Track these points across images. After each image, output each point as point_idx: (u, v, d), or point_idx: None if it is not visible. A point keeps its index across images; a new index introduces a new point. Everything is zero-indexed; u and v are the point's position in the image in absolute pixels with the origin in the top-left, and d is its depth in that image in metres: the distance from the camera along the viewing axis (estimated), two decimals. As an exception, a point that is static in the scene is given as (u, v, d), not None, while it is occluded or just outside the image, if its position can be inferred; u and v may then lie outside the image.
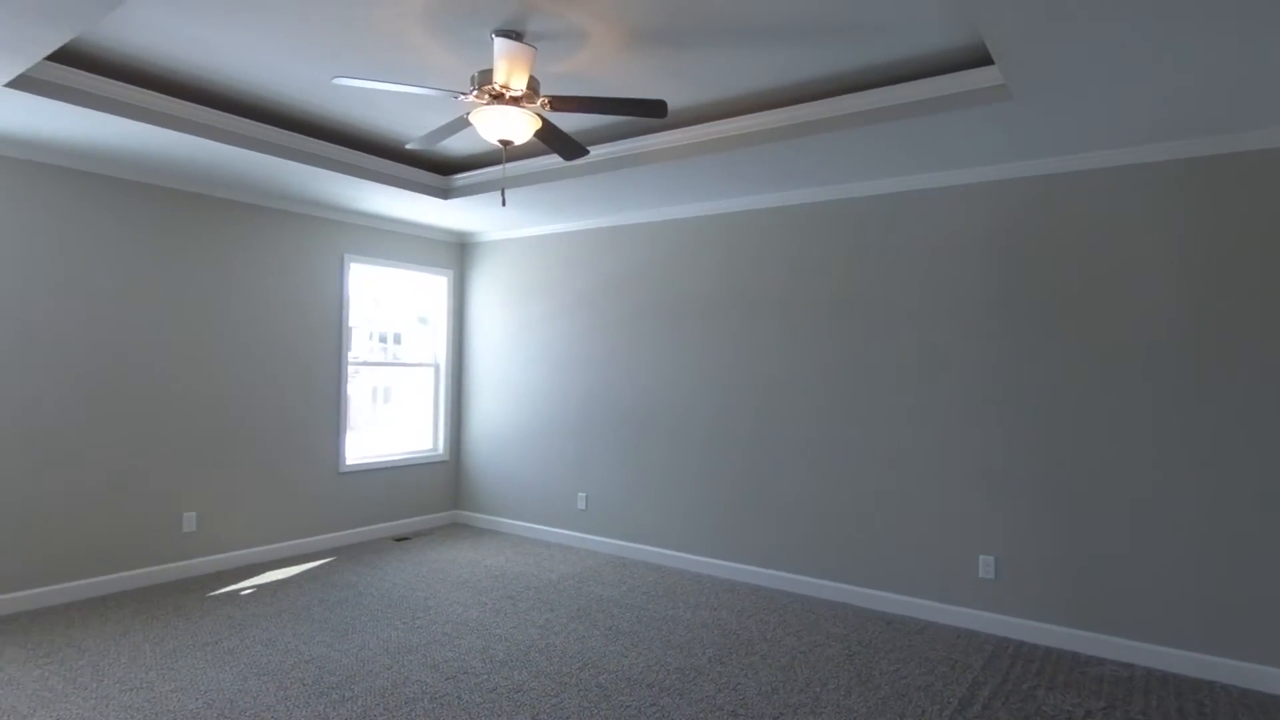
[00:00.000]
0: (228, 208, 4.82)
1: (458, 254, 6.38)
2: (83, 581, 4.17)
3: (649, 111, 3.03)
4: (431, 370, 6.32)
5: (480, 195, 4.87)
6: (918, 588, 4.15)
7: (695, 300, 5.05)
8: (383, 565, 4.97)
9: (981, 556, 3.96)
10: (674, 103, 3.67)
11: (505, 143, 3.10)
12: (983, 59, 3.04)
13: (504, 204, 3.19)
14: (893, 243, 4.29)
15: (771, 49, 3.04)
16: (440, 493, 6.25)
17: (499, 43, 2.49)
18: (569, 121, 3.98)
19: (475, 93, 2.98)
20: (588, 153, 3.57)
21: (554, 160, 4.42)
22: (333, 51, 3.13)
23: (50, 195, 4.05)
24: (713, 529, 4.93)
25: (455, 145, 4.47)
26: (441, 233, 6.17)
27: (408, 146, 3.43)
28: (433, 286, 6.36)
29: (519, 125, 3.02)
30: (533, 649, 3.57)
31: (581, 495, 5.59)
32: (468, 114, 3.04)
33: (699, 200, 4.90)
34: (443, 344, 6.31)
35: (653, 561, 5.17)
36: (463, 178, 4.89)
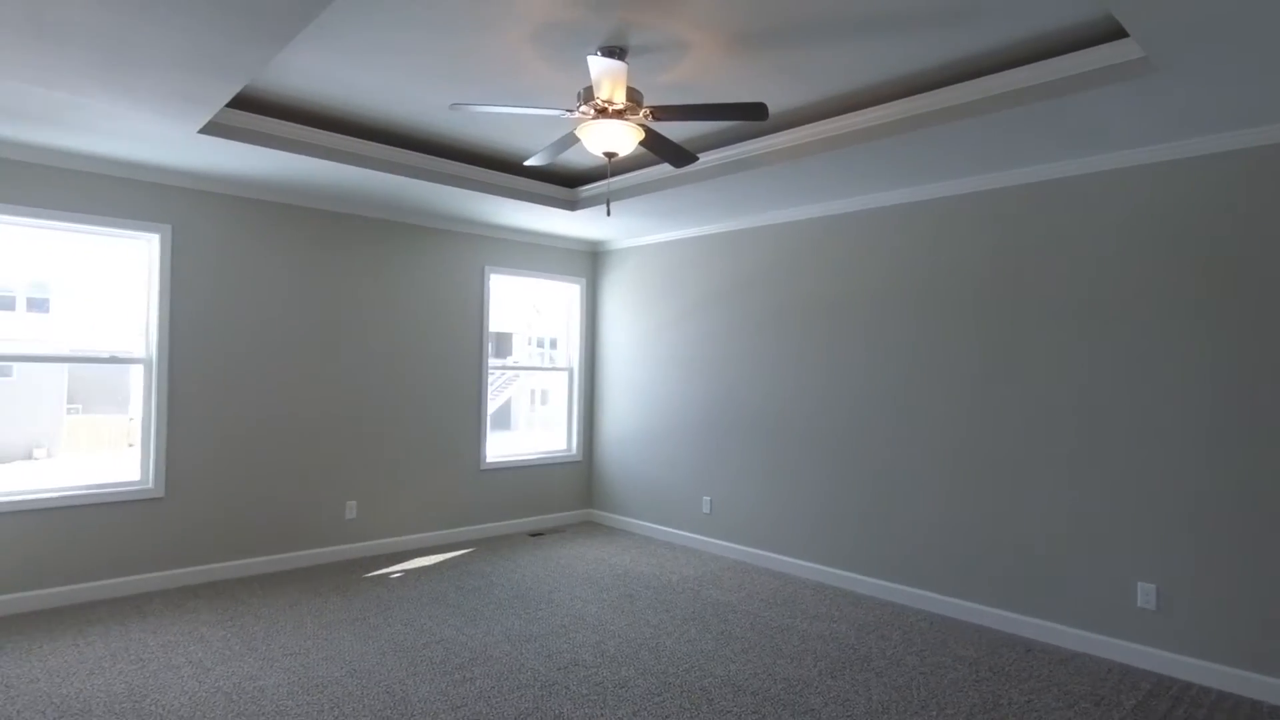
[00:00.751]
0: (381, 227, 5.34)
1: (589, 262, 6.63)
2: (264, 558, 4.79)
3: (749, 115, 3.01)
4: (566, 374, 6.61)
5: (603, 206, 5.05)
6: (1064, 613, 3.78)
7: (821, 302, 4.92)
8: (516, 559, 5.27)
9: (1140, 584, 3.54)
10: (784, 102, 3.62)
11: (610, 155, 3.21)
12: (1115, 32, 2.74)
13: (609, 214, 3.30)
14: (1042, 235, 3.95)
15: (883, 39, 2.93)
16: (574, 492, 6.52)
17: (592, 62, 2.60)
18: (681, 130, 4.04)
19: (581, 108, 3.11)
20: (696, 159, 3.60)
21: (668, 168, 4.50)
22: (460, 81, 3.40)
23: (236, 222, 4.70)
24: (838, 538, 4.77)
25: (579, 159, 4.67)
26: (574, 242, 6.44)
27: (526, 163, 3.65)
28: (567, 294, 6.65)
29: (622, 138, 3.12)
30: (643, 647, 3.65)
31: (706, 499, 5.61)
32: (575, 129, 3.18)
33: (818, 201, 4.77)
34: (576, 349, 6.58)
35: (774, 569, 5.09)
36: (588, 189, 5.09)
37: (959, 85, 3.23)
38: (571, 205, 5.25)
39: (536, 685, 3.19)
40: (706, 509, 5.61)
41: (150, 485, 4.40)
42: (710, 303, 5.63)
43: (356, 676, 3.25)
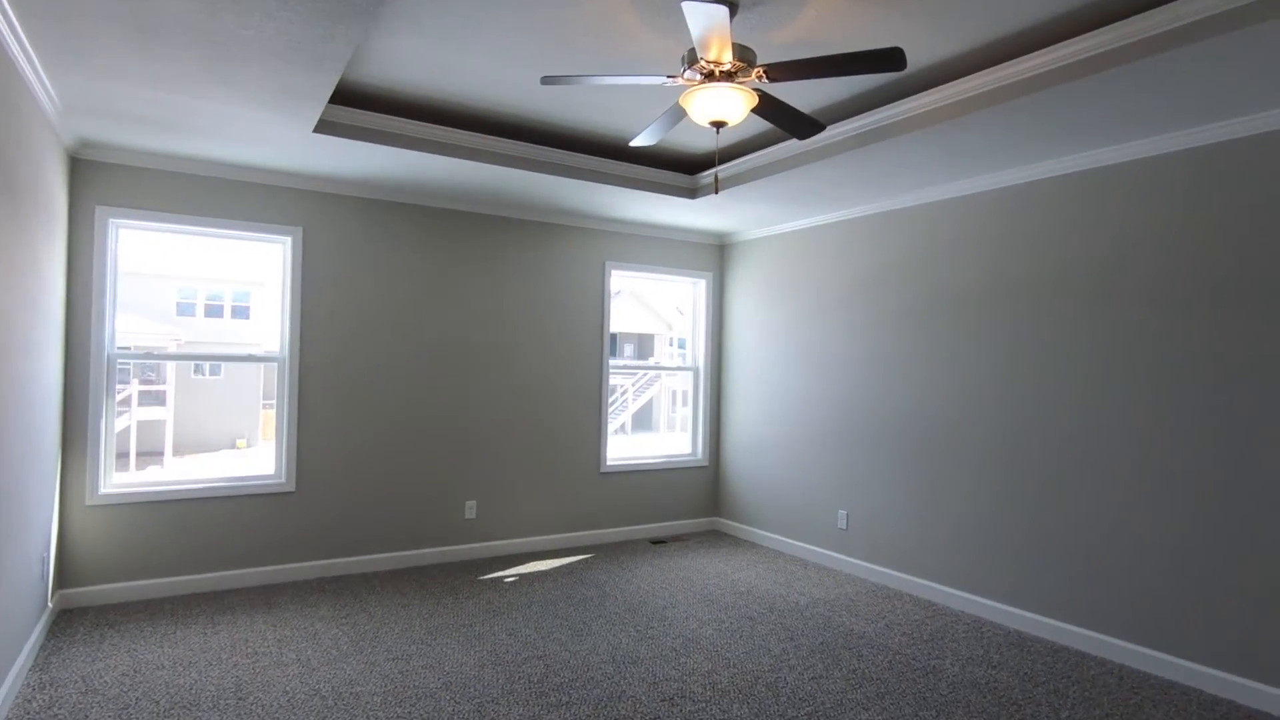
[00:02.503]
0: (498, 224, 5.26)
1: (716, 255, 6.26)
2: (386, 555, 4.84)
3: (882, 65, 2.53)
4: (691, 374, 6.28)
5: (728, 191, 4.66)
6: (1310, 684, 2.94)
7: (979, 293, 4.25)
8: (633, 567, 5.00)
9: None
10: (930, 53, 3.07)
11: (719, 125, 2.83)
12: None
13: (716, 191, 2.91)
14: None
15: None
16: (699, 498, 6.17)
17: (689, 9, 2.24)
18: (804, 96, 3.58)
19: (685, 74, 2.77)
20: (822, 128, 3.14)
21: (792, 145, 4.03)
22: (558, 56, 3.16)
23: (360, 223, 4.78)
24: (999, 565, 4.08)
25: (696, 140, 4.32)
26: (697, 234, 6.09)
27: (633, 143, 3.35)
28: (692, 290, 6.32)
29: (731, 104, 2.74)
30: (760, 681, 3.23)
31: (842, 513, 5.06)
32: (680, 99, 2.84)
33: (973, 174, 4.10)
34: (702, 347, 6.23)
35: (920, 596, 4.46)
36: (707, 175, 4.73)
37: (1160, 9, 2.55)
38: (691, 193, 4.91)
39: (637, 718, 2.88)
40: (842, 524, 5.06)
41: (283, 480, 4.55)
42: (848, 296, 5.07)
43: (451, 690, 3.09)
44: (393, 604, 4.16)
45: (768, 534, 5.68)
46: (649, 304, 25.52)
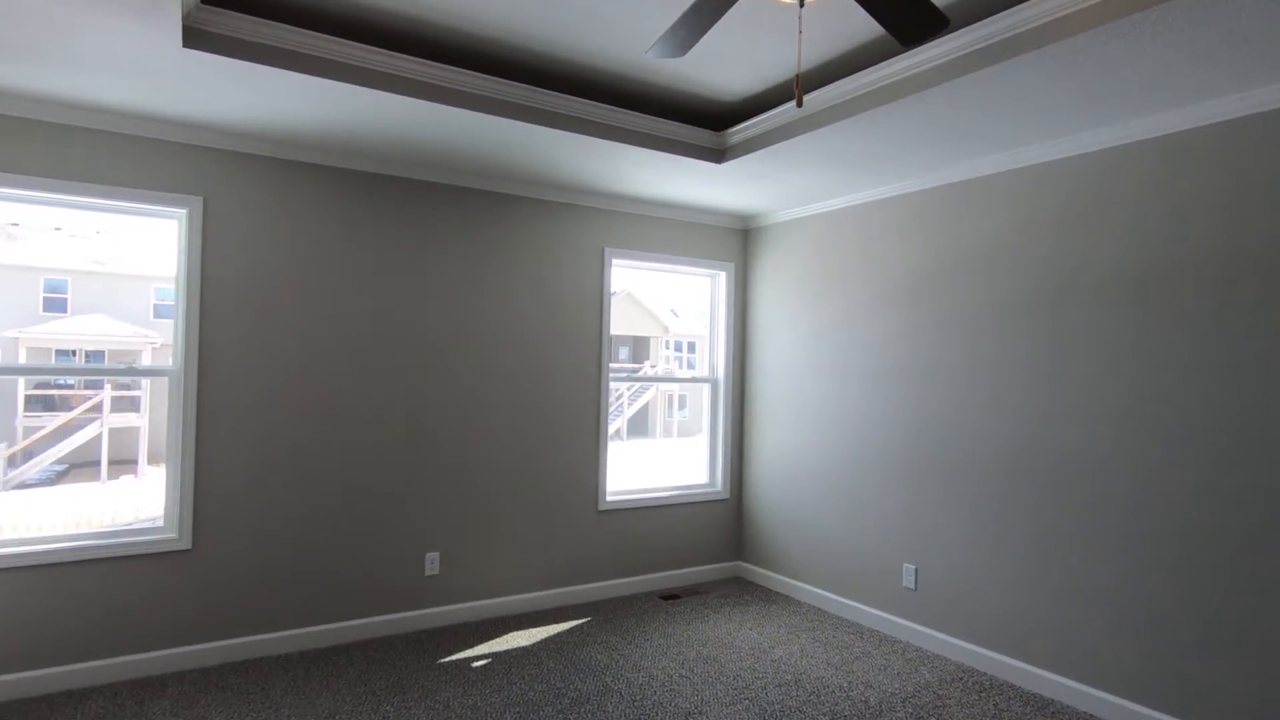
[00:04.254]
0: (468, 198, 4.13)
1: (739, 243, 5.14)
2: (318, 628, 3.69)
3: None
4: (708, 386, 5.16)
5: (766, 153, 3.55)
6: None
7: (1102, 282, 3.14)
8: (643, 638, 3.87)
9: None
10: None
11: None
12: None
13: (799, 103, 1.82)
14: None
15: None
16: (719, 539, 5.05)
17: None
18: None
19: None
20: (947, 23, 2.04)
21: (868, 79, 2.92)
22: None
23: (283, 193, 3.63)
24: (1142, 654, 2.97)
25: (730, 81, 3.21)
26: (719, 216, 4.98)
27: (647, 53, 2.23)
28: (710, 285, 5.20)
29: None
30: None
31: (909, 568, 3.95)
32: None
33: (1116, 119, 2.99)
34: (721, 353, 5.11)
35: (1026, 688, 3.35)
36: (741, 129, 3.61)
37: None
38: (718, 155, 3.79)
39: None
40: (909, 581, 3.94)
41: (174, 534, 3.40)
42: (914, 289, 3.96)
43: None
44: (315, 711, 3.02)
45: (806, 587, 4.56)
46: (643, 304, 24.46)
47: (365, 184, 3.82)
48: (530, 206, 4.30)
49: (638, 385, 19.61)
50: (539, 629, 4.00)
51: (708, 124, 3.74)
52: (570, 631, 3.97)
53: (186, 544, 3.40)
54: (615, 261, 4.65)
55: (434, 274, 4.00)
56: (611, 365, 4.59)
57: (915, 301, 3.95)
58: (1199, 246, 2.86)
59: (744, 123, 3.56)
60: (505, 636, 3.88)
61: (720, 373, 5.10)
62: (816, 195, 4.34)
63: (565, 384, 4.42)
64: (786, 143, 3.40)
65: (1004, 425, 3.51)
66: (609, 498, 4.60)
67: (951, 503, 3.75)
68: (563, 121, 3.29)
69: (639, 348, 27.42)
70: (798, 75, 1.84)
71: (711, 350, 5.17)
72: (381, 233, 3.86)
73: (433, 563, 3.99)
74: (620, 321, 25.19)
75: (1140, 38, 2.29)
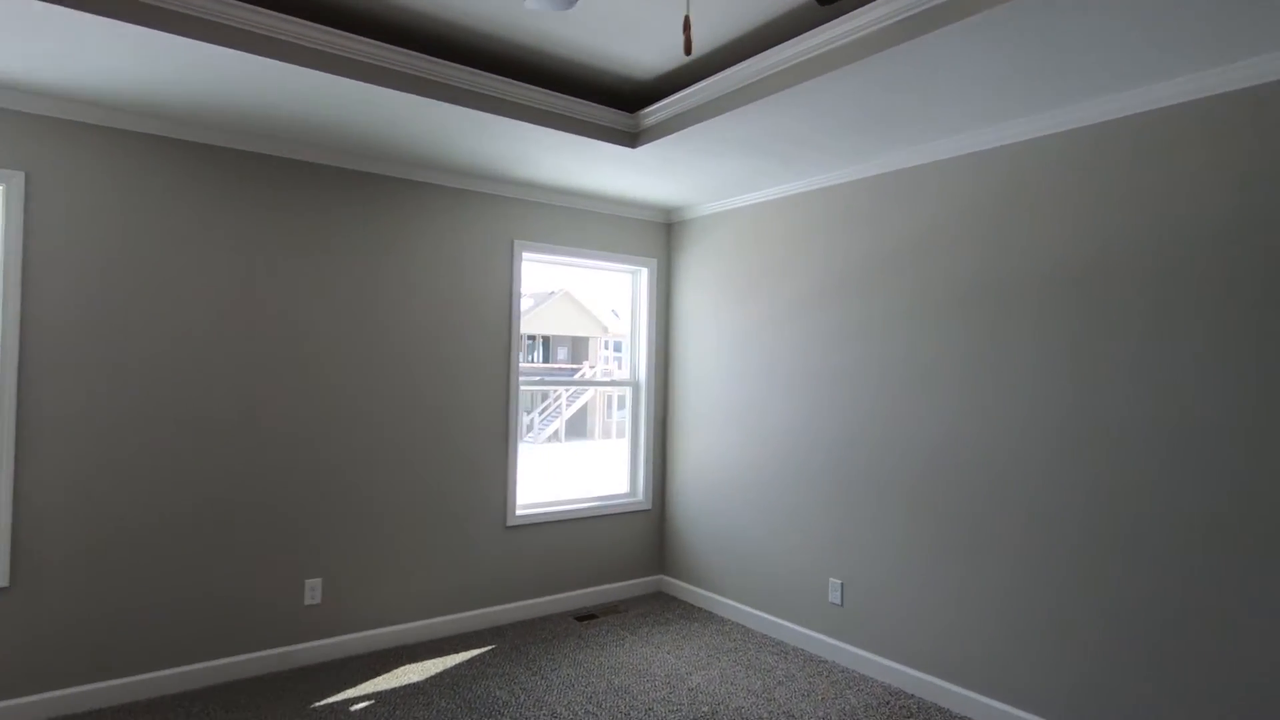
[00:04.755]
0: (357, 182, 3.71)
1: (662, 237, 4.84)
2: (171, 671, 3.22)
3: None
4: (630, 390, 4.85)
5: (681, 137, 3.25)
6: None
7: (1043, 280, 2.95)
8: (550, 668, 3.53)
9: None
10: None
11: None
12: None
13: (688, 50, 1.52)
14: None
15: None
16: (640, 553, 4.74)
17: None
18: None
19: None
20: (866, -25, 1.76)
21: (785, 54, 2.65)
22: None
23: (127, 170, 3.15)
24: (1084, 680, 2.79)
25: (644, 57, 2.90)
26: (640, 208, 4.67)
27: (528, 4, 1.89)
28: (632, 282, 4.89)
29: None
30: None
31: (835, 583, 3.72)
32: None
33: (1047, 105, 2.80)
34: (643, 355, 4.80)
35: (961, 713, 3.14)
36: (655, 110, 3.30)
37: None
38: (632, 138, 3.48)
39: None
40: (835, 597, 3.71)
41: (-11, 566, 2.89)
42: (846, 287, 3.73)
43: None
44: (150, 776, 2.57)
45: (730, 602, 4.30)
46: (582, 304, 24.08)
47: (232, 163, 3.36)
48: (429, 193, 3.91)
49: (575, 387, 19.19)
50: (435, 660, 3.61)
51: (621, 105, 3.43)
52: (470, 663, 3.59)
53: (3, 580, 2.88)
54: (526, 255, 4.29)
55: (318, 265, 3.57)
56: (529, 374, 4.23)
57: (845, 301, 3.72)
58: (1136, 240, 2.69)
59: (658, 103, 3.25)
60: (395, 671, 3.47)
61: (642, 375, 4.80)
62: (742, 187, 4.08)
63: (470, 388, 4.04)
64: (702, 125, 3.11)
65: (937, 431, 3.30)
66: (519, 512, 4.24)
67: (880, 513, 3.53)
68: (452, 94, 2.92)
69: (578, 348, 26.97)
70: (686, 15, 1.53)
71: (633, 352, 4.86)
72: (254, 219, 3.41)
73: (313, 590, 3.56)
74: (558, 322, 24.76)
75: (1068, 8, 2.07)
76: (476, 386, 4.06)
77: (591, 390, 20.66)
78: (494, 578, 4.12)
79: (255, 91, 2.82)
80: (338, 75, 2.67)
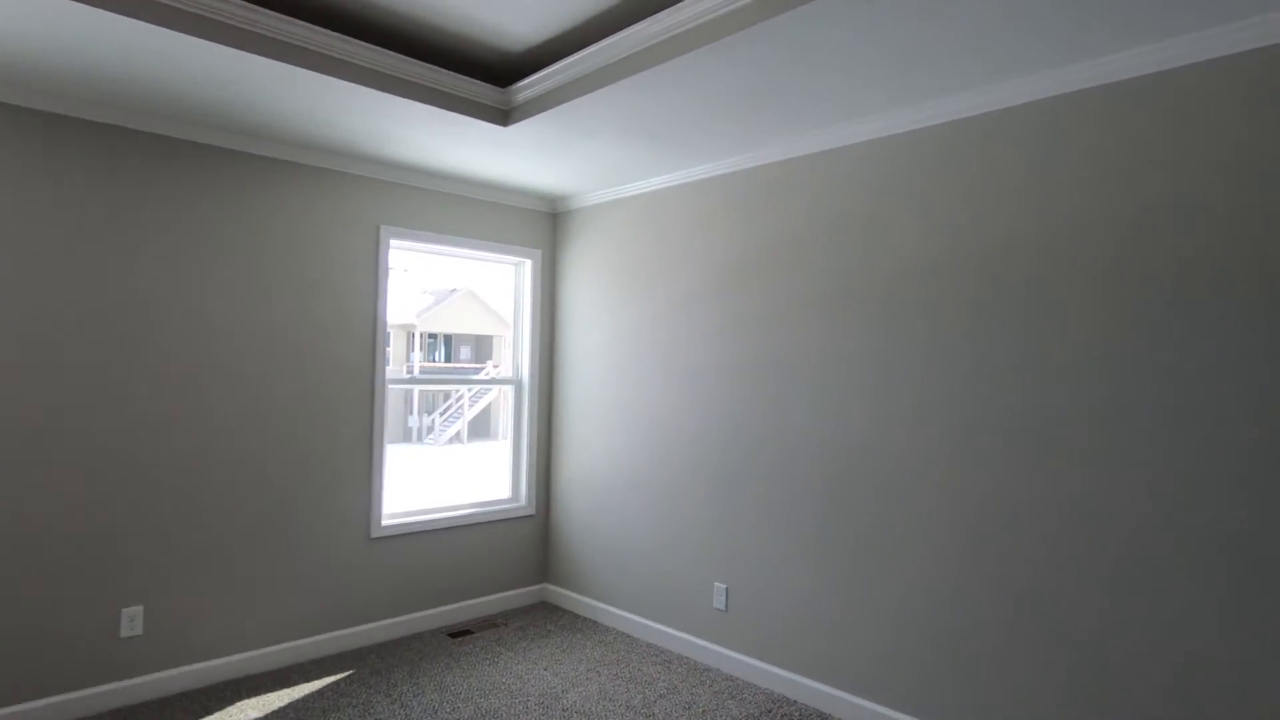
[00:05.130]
0: (203, 157, 3.28)
1: (547, 227, 4.59)
2: (-51, 720, 2.71)
3: None
4: (512, 389, 4.57)
5: (557, 116, 3.02)
6: None
7: (933, 273, 2.90)
8: (414, 693, 3.21)
9: None
10: None
11: None
12: None
13: None
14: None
15: None
16: (523, 561, 4.47)
17: None
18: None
19: None
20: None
21: (664, 24, 2.46)
22: None
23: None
24: (967, 677, 2.74)
25: (519, 23, 2.65)
26: (523, 195, 4.41)
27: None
28: (515, 274, 4.61)
29: None
30: None
31: (720, 587, 3.58)
32: None
33: (959, 87, 2.75)
34: (526, 351, 4.53)
35: (843, 717, 3.06)
36: (528, 85, 3.05)
37: None
38: (504, 115, 3.21)
39: None
40: (720, 602, 3.58)
41: None
42: (739, 280, 3.60)
43: None
44: None
45: (615, 611, 4.10)
46: (486, 302, 23.45)
47: (40, 129, 2.87)
48: (282, 171, 3.50)
49: (478, 386, 18.60)
50: (281, 692, 3.23)
51: (494, 79, 3.16)
52: (321, 693, 3.23)
53: None
54: (395, 243, 3.94)
55: (145, 246, 3.11)
56: (397, 375, 3.88)
57: (737, 294, 3.59)
58: (1000, 235, 2.66)
59: (530, 77, 3.00)
60: (231, 708, 3.07)
61: (525, 373, 4.53)
62: (628, 175, 3.88)
63: (330, 387, 3.66)
64: (578, 102, 2.88)
65: (823, 428, 3.21)
66: (386, 522, 3.89)
67: (765, 514, 3.41)
68: (281, 50, 2.57)
69: (482, 347, 26.24)
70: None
71: (516, 348, 4.58)
72: (66, 194, 2.93)
73: (132, 620, 3.10)
74: (461, 320, 24.00)
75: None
76: (338, 385, 3.69)
77: (496, 389, 20.12)
78: (355, 595, 3.76)
79: (80, 42, 2.38)
80: (146, 22, 2.27)
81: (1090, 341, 2.44)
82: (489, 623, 4.14)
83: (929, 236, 2.86)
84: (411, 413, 23.67)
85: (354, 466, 3.75)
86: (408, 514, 4.03)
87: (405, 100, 2.89)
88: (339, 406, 3.69)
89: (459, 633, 3.97)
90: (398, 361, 23.57)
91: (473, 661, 3.59)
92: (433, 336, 25.08)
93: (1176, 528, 2.26)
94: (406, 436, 23.30)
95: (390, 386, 3.96)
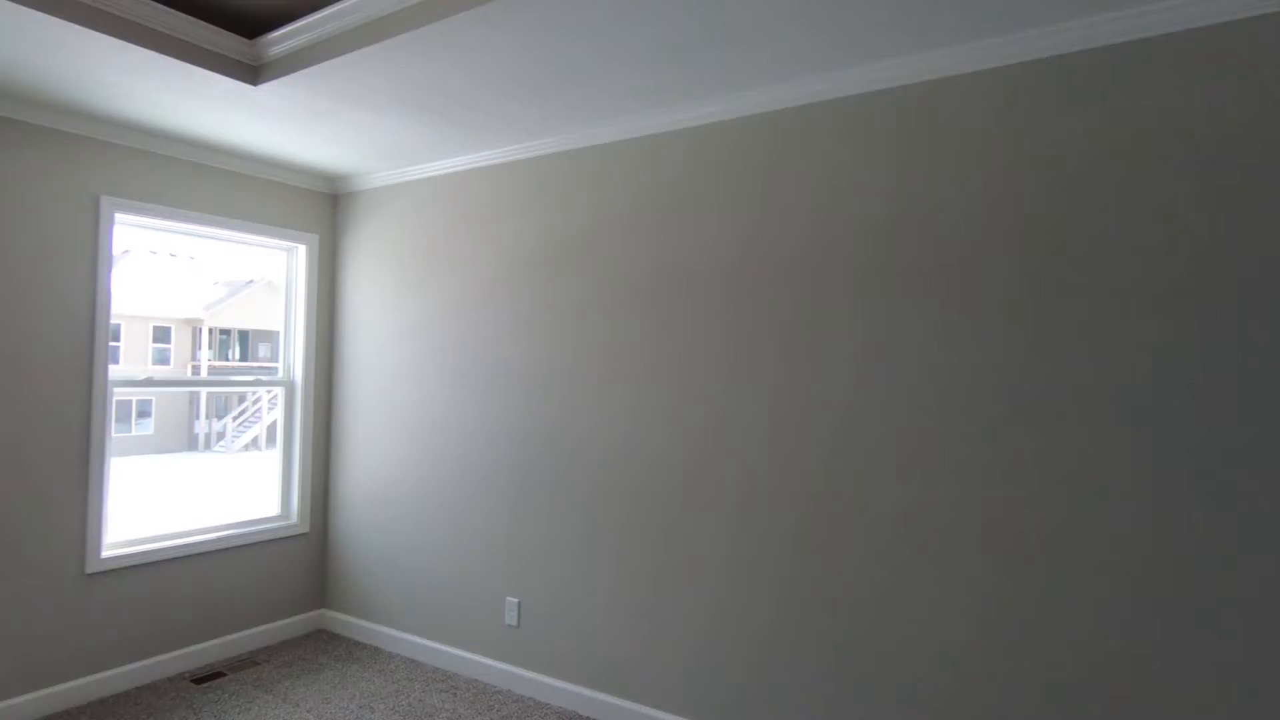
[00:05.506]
0: None
1: (326, 210, 4.10)
2: None
3: None
4: (283, 391, 4.03)
5: (317, 76, 2.62)
6: None
7: (730, 270, 2.85)
8: (130, 761, 2.66)
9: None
10: None
11: None
12: None
13: None
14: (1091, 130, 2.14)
15: None
16: (295, 586, 3.95)
17: None
18: None
19: None
20: None
21: (437, -21, 2.19)
22: None
23: None
24: (753, 681, 2.71)
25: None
26: (295, 172, 3.89)
27: None
28: (287, 261, 4.07)
29: None
30: None
31: (512, 602, 3.34)
32: None
33: (765, 81, 2.70)
34: (300, 349, 4.01)
35: (633, 733, 2.94)
36: (283, 37, 2.62)
37: None
38: (253, 71, 2.76)
39: None
40: (511, 618, 3.34)
41: None
42: (528, 273, 3.37)
43: None
44: None
45: (401, 635, 3.72)
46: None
47: None
48: (-50, 117, 2.78)
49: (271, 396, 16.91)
50: (-59, 779, 2.54)
51: (242, 29, 2.69)
52: (2, 772, 2.58)
53: None
54: (122, 218, 3.29)
55: None
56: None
57: (534, 288, 3.36)
58: (813, 236, 2.67)
59: (283, 28, 2.59)
60: None
61: (299, 373, 4.01)
62: (420, 155, 3.53)
63: (33, 388, 2.97)
64: (337, 63, 2.52)
65: (614, 430, 3.07)
66: (108, 554, 3.23)
67: (558, 521, 3.22)
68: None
69: (258, 341, 23.92)
70: None
71: (287, 344, 4.05)
72: None
73: None
74: (258, 315, 21.74)
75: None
76: (43, 387, 3.00)
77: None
78: (64, 644, 3.08)
79: None
80: None
81: (849, 342, 2.50)
82: (247, 662, 3.59)
83: (716, 237, 2.82)
84: (199, 417, 21.10)
85: (62, 486, 3.07)
86: (143, 541, 3.39)
87: (123, 43, 2.37)
88: (45, 414, 3.01)
89: (206, 677, 3.40)
90: (181, 361, 20.94)
91: (218, 712, 3.06)
92: (225, 332, 22.55)
93: (923, 519, 2.36)
94: (192, 444, 20.71)
95: (117, 391, 3.30)
